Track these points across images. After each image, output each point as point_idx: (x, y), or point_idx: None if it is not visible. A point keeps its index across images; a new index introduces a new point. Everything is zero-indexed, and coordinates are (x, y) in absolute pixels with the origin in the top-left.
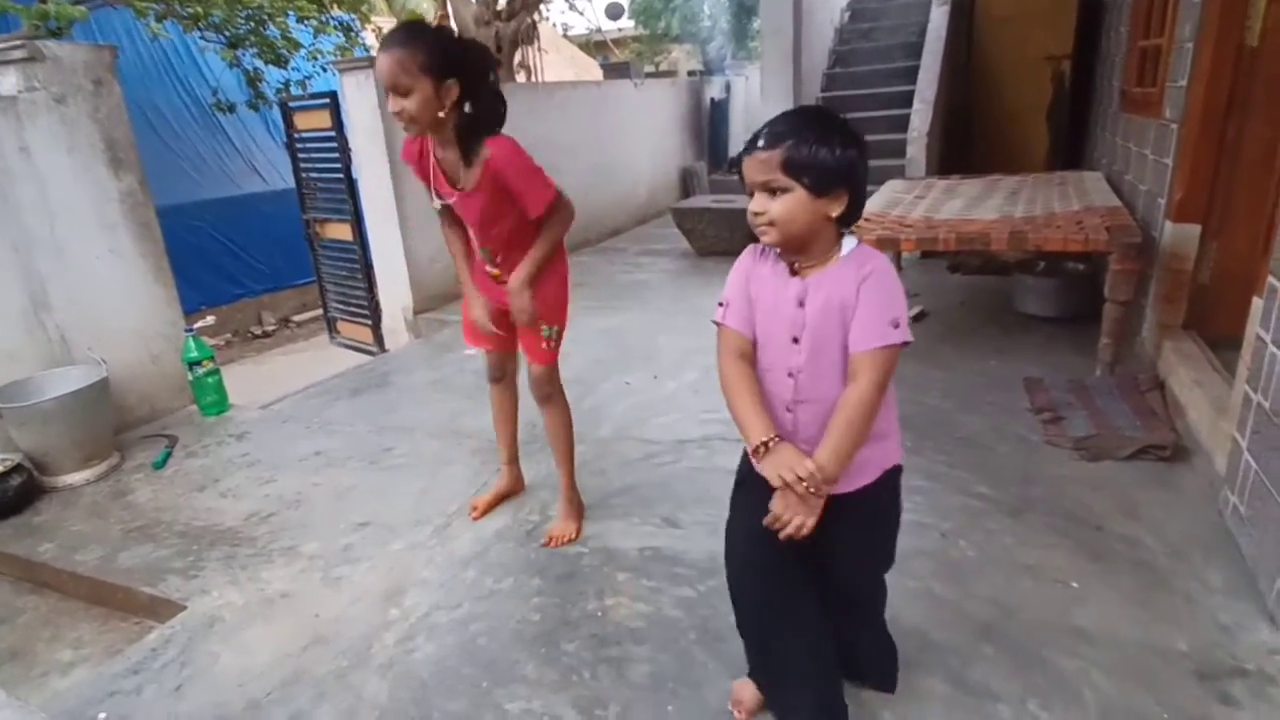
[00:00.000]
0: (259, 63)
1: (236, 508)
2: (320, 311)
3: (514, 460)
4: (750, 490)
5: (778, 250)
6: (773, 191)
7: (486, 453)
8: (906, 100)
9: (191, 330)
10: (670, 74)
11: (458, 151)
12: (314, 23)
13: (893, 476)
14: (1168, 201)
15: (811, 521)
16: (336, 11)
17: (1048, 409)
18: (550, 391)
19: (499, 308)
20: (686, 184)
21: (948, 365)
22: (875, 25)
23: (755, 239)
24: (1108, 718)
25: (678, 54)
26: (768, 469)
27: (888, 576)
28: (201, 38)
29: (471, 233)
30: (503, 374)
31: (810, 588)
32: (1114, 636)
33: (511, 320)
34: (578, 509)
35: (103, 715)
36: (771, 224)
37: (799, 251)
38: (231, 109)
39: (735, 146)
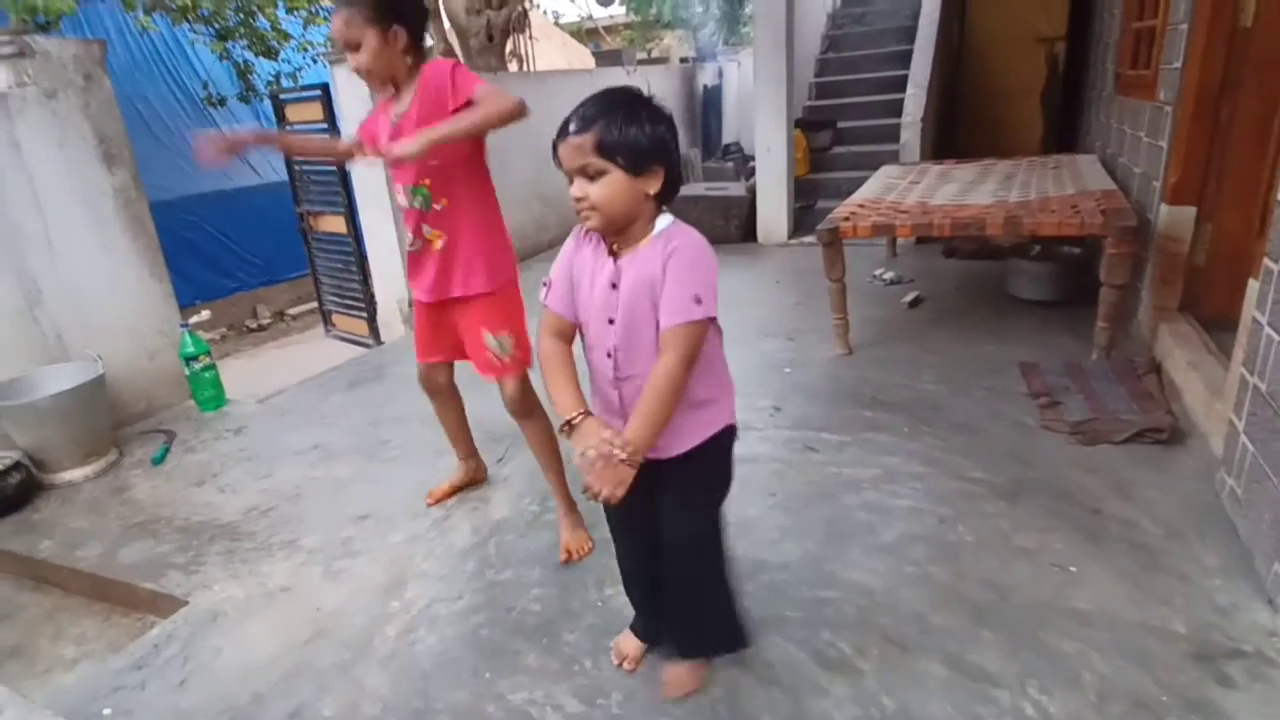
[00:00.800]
0: (249, 55)
1: (235, 502)
2: (315, 304)
3: (471, 455)
4: None
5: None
6: (590, 176)
7: (485, 443)
8: (900, 85)
9: (187, 325)
10: (662, 60)
11: (408, 87)
12: (304, 14)
13: (721, 438)
14: (1163, 184)
15: (621, 491)
16: (326, 2)
17: (1044, 393)
18: (529, 406)
19: (438, 303)
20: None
21: (943, 350)
22: (868, 9)
23: (752, 227)
24: (1106, 699)
25: (670, 40)
26: (575, 443)
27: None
28: (191, 30)
29: (403, 180)
30: (433, 385)
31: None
32: (1111, 618)
33: (454, 323)
34: (579, 515)
35: (107, 711)
36: (594, 208)
37: (622, 233)
38: (222, 102)
39: (729, 134)
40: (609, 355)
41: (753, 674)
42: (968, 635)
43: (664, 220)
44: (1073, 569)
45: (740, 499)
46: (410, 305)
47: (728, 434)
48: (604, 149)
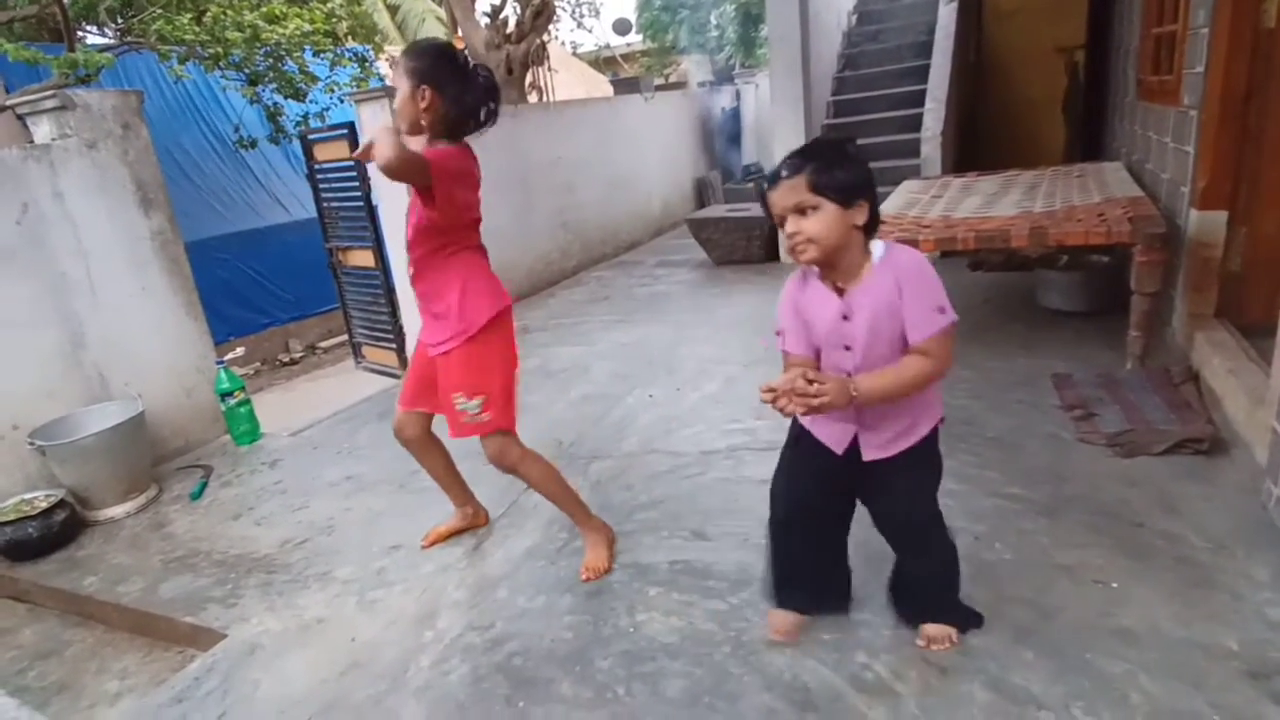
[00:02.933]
0: (278, 97)
1: (271, 535)
2: (345, 337)
3: (466, 502)
4: (801, 448)
5: (816, 272)
6: (803, 211)
7: None
8: (918, 100)
9: (222, 362)
10: (680, 85)
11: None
12: (329, 56)
13: (935, 432)
14: (1191, 189)
15: (825, 409)
16: (351, 43)
17: (1078, 405)
18: (510, 464)
19: (421, 354)
20: (701, 194)
21: (974, 364)
22: (883, 27)
23: (775, 247)
24: None
25: (686, 65)
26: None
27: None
28: (222, 77)
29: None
30: (405, 436)
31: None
32: (1159, 636)
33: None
34: (604, 535)
35: None
36: (810, 240)
37: (835, 264)
38: (253, 144)
39: (748, 155)
40: (846, 375)
41: (788, 699)
42: (1009, 657)
43: (878, 247)
44: (1115, 585)
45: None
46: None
47: (940, 425)
48: (817, 186)
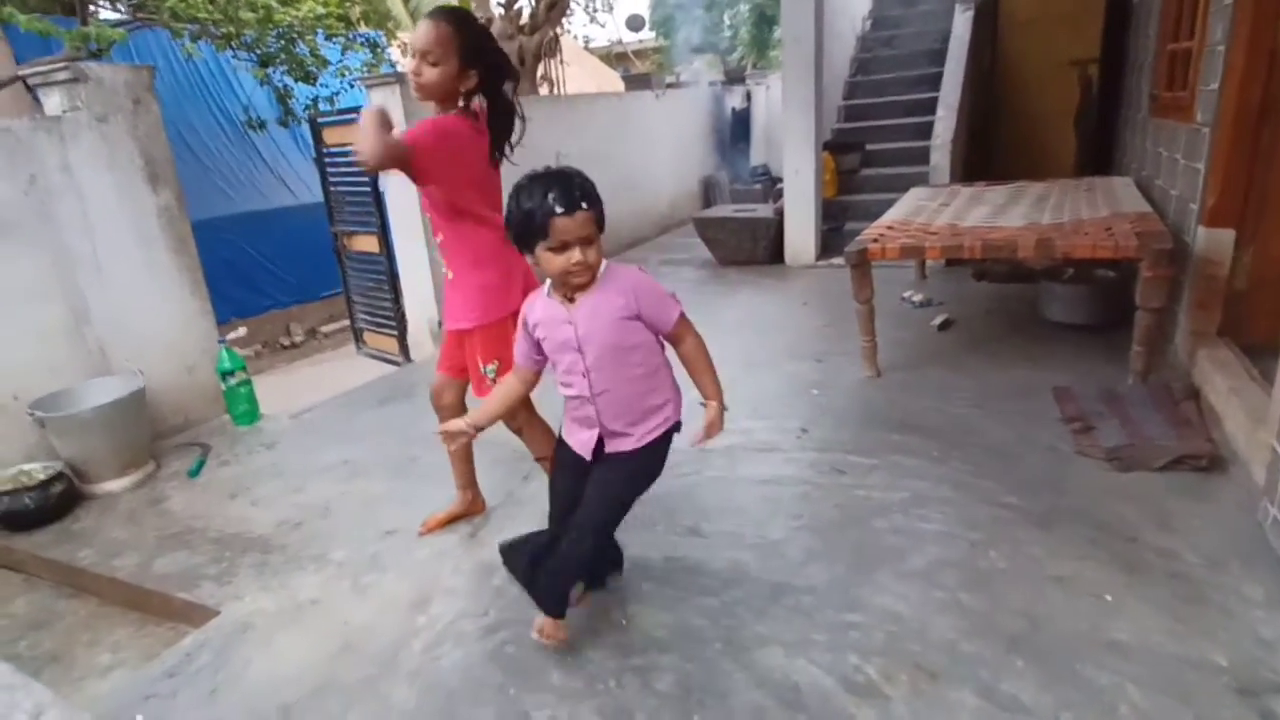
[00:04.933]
0: (289, 80)
1: (267, 516)
2: (346, 323)
3: (469, 485)
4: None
5: (547, 290)
6: (590, 242)
7: (510, 462)
8: (930, 107)
9: (224, 341)
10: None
11: None
12: (341, 40)
13: (669, 434)
14: (1200, 206)
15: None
16: (363, 28)
17: (1078, 418)
18: (520, 423)
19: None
20: (708, 194)
21: (975, 373)
22: (897, 33)
23: (780, 249)
24: None
25: (698, 64)
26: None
27: None
28: (234, 57)
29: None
30: (442, 400)
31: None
32: (1150, 650)
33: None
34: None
35: (139, 718)
36: (590, 267)
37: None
38: (262, 126)
39: (756, 156)
40: (583, 375)
41: (777, 697)
42: (1000, 664)
43: (604, 267)
44: (1108, 598)
45: (766, 520)
46: (440, 325)
47: (676, 428)
48: (598, 222)
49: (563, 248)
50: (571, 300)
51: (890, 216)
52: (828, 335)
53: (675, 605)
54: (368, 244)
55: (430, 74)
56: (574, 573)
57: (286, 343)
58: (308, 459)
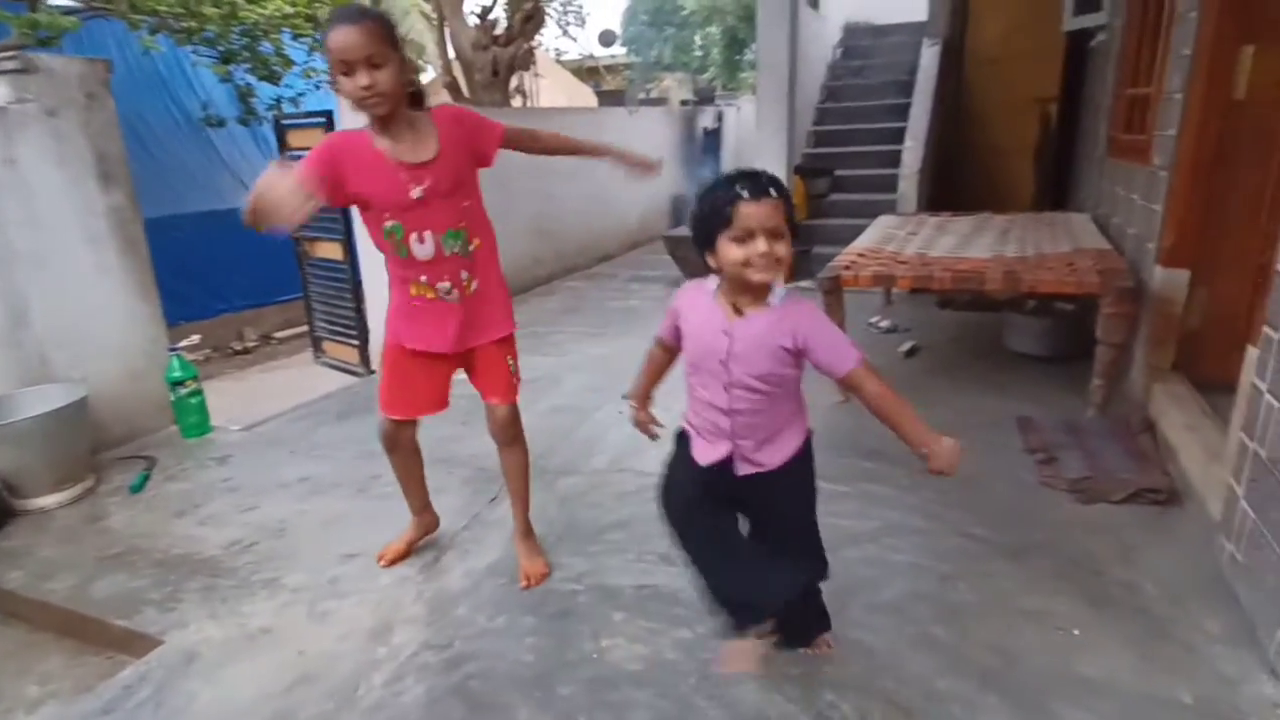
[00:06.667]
0: (251, 78)
1: (217, 536)
2: (303, 329)
3: (426, 507)
4: (688, 444)
5: (713, 290)
6: (779, 235)
7: (478, 481)
8: (897, 136)
9: (176, 349)
10: (661, 101)
11: (413, 130)
12: (309, 41)
13: (808, 444)
14: (1158, 247)
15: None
16: None
17: (1042, 449)
18: (518, 431)
19: (443, 355)
20: (678, 211)
21: (940, 401)
22: (867, 63)
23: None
24: None
25: (669, 82)
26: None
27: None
28: (194, 52)
29: (433, 227)
30: (398, 442)
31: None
32: (1118, 687)
33: (450, 371)
34: (535, 542)
35: None
36: (780, 263)
37: (760, 289)
38: (221, 123)
39: None
40: (724, 388)
41: None
42: (975, 701)
43: (780, 291)
44: (1076, 633)
45: None
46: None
47: (811, 437)
48: (788, 216)
49: (746, 237)
50: (739, 312)
51: (861, 243)
52: None
53: (649, 637)
54: (331, 250)
55: (384, 78)
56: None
57: (239, 347)
58: (262, 475)
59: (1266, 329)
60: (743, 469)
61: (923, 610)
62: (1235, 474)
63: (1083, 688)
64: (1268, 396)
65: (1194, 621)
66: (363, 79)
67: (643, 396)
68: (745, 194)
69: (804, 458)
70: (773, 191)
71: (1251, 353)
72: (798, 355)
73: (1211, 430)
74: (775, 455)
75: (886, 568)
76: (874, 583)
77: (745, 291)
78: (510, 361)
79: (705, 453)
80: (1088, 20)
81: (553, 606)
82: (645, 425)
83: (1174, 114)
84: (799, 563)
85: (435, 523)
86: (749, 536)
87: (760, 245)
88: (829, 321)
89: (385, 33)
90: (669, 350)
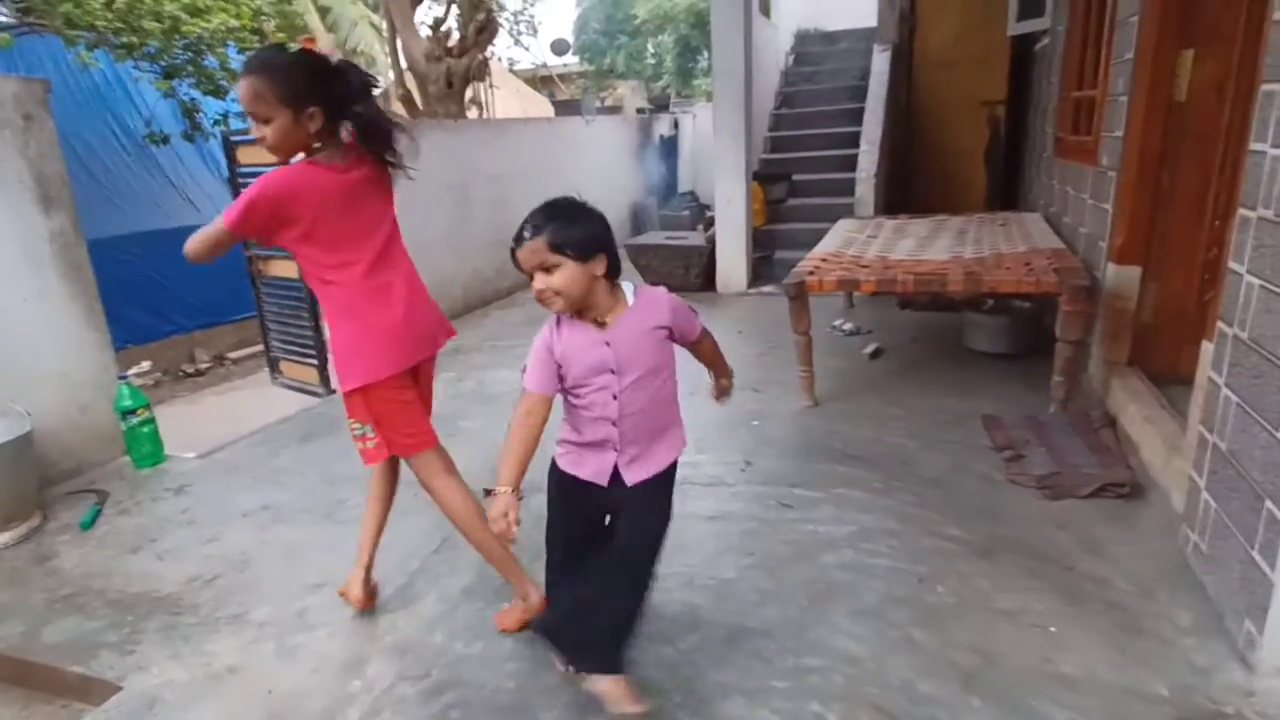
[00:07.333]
0: (195, 93)
1: (176, 571)
2: (258, 348)
3: (364, 564)
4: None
5: (569, 315)
6: (548, 269)
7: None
8: (852, 140)
9: (125, 377)
10: (616, 109)
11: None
12: None
13: (674, 465)
14: (1109, 245)
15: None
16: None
17: (1008, 447)
18: (425, 486)
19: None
20: (637, 219)
21: (906, 403)
22: (819, 69)
23: (711, 276)
24: None
25: (623, 90)
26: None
27: None
28: (135, 67)
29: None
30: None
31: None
32: (1096, 682)
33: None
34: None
35: None
36: (557, 294)
37: (589, 307)
38: (165, 140)
39: (684, 184)
40: (614, 397)
41: None
42: (958, 704)
43: (628, 287)
44: (1053, 630)
45: (717, 558)
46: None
47: (675, 463)
48: (555, 247)
49: (530, 276)
50: (601, 324)
51: (823, 248)
52: (764, 364)
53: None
54: (285, 269)
55: (269, 133)
56: (632, 610)
57: (190, 370)
58: (221, 504)
59: (1221, 324)
60: (630, 476)
61: (902, 614)
62: (1196, 466)
63: (1062, 685)
64: (1225, 390)
65: (1164, 613)
66: (254, 130)
67: (519, 479)
68: (514, 243)
69: (672, 474)
70: (526, 234)
71: (1207, 347)
72: (670, 332)
73: (1169, 423)
74: (661, 458)
75: (864, 572)
76: (853, 588)
77: (586, 310)
78: (351, 422)
79: (595, 470)
80: (1032, 25)
81: (530, 631)
82: (514, 524)
83: (1120, 116)
84: (632, 587)
85: (371, 600)
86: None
87: (536, 283)
88: (681, 302)
89: (270, 89)
90: (548, 402)
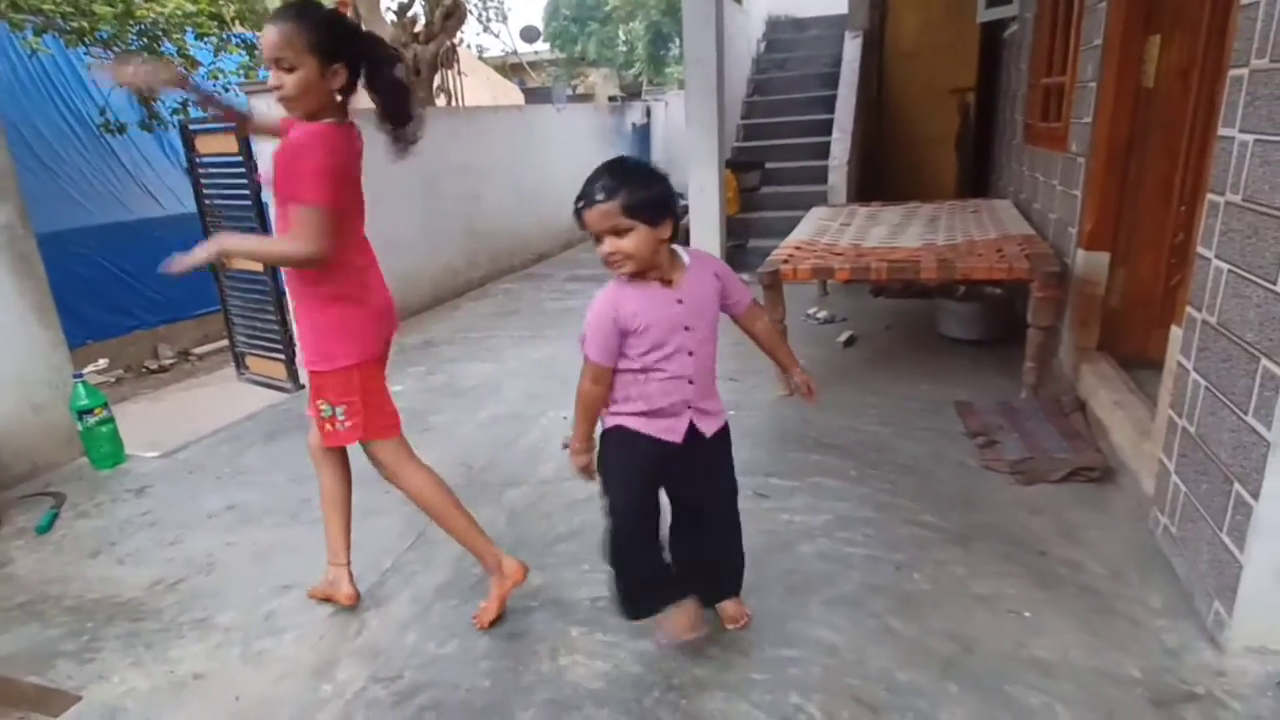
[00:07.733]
0: None
1: (137, 575)
2: (223, 343)
3: (344, 562)
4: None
5: (627, 280)
6: (619, 233)
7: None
8: (824, 128)
9: (81, 375)
10: (588, 97)
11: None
12: (214, 40)
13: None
14: (1079, 230)
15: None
16: (239, 29)
17: (982, 433)
18: (387, 474)
19: None
20: None
21: (881, 390)
22: (790, 55)
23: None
24: None
25: (595, 78)
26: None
27: None
28: (87, 53)
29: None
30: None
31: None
32: (1071, 666)
33: None
34: (497, 576)
35: None
36: (628, 257)
37: (652, 269)
38: (122, 129)
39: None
40: (690, 354)
41: None
42: (937, 692)
43: (682, 251)
44: (1027, 615)
45: None
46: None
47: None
48: (629, 210)
49: (597, 239)
50: (668, 282)
51: (797, 236)
52: (739, 353)
53: (608, 651)
54: (249, 262)
55: (290, 82)
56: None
57: (153, 366)
58: (185, 506)
59: (1190, 309)
60: (707, 426)
61: (880, 602)
62: (1166, 450)
63: (1037, 669)
64: (1194, 374)
65: (1136, 595)
66: (272, 78)
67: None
68: (580, 203)
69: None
70: (599, 198)
71: (1175, 332)
72: (723, 296)
73: (1139, 407)
74: (720, 410)
75: (841, 561)
76: (830, 577)
77: (650, 271)
78: (320, 402)
79: (667, 427)
80: (1000, 11)
81: (507, 626)
82: (593, 469)
83: (1088, 102)
84: (735, 526)
85: (353, 598)
86: (674, 519)
87: (605, 246)
88: (727, 267)
89: (301, 36)
90: (610, 372)
